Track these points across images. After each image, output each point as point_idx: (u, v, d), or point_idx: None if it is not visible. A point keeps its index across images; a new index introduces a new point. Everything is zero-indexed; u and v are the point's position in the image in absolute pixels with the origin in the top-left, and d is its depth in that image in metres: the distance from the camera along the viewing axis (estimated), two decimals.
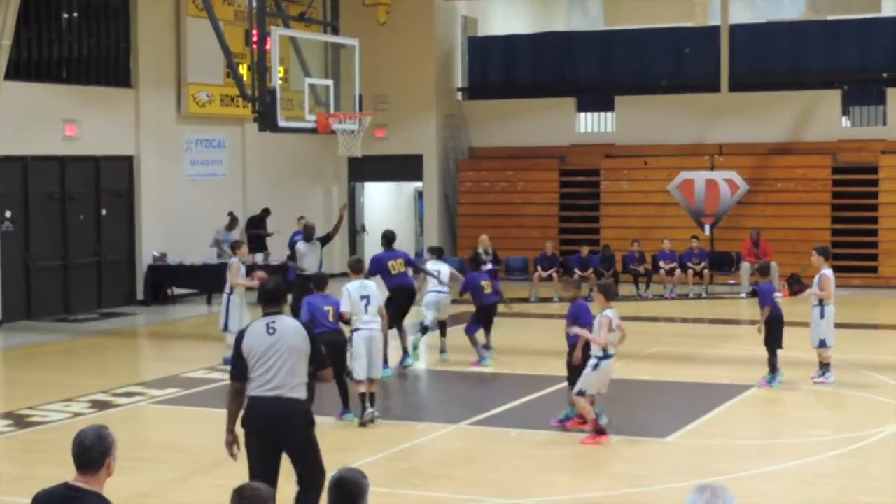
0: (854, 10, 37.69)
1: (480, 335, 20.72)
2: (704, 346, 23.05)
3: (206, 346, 23.48)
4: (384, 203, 39.22)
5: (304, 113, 24.40)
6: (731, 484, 12.12)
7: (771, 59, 35.77)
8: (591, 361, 14.61)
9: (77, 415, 16.73)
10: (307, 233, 24.43)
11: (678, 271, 31.43)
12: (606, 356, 14.70)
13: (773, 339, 18.56)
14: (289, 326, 9.98)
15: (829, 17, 37.36)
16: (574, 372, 15.19)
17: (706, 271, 31.57)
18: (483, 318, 20.60)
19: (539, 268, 30.99)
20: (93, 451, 6.65)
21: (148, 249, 29.84)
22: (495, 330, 21.38)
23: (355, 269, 16.76)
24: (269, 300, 10.20)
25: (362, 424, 15.51)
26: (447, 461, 14.04)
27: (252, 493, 6.35)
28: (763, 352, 18.69)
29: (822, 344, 18.60)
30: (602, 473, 13.32)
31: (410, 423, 15.87)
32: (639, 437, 15.06)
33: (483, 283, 20.25)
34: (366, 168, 35.67)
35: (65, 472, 6.77)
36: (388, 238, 20.46)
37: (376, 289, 16.52)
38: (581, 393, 14.53)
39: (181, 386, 18.97)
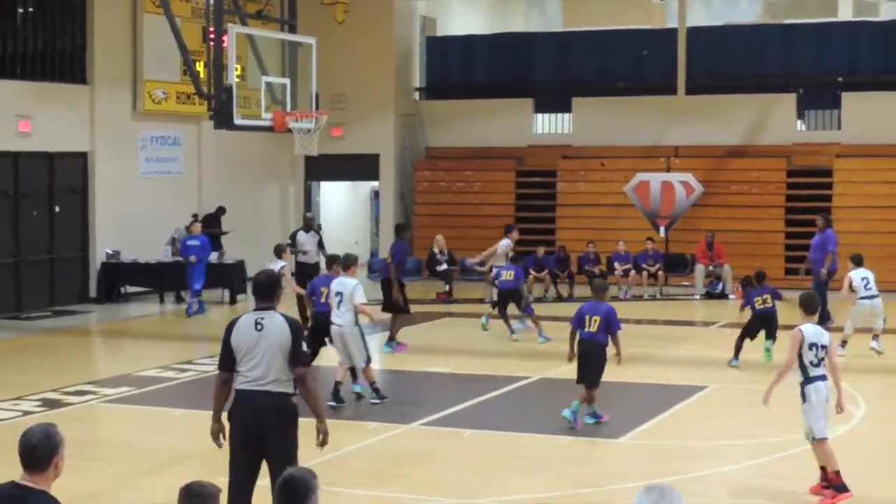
0: (810, 14, 37.89)
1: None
2: (658, 347, 23.08)
3: (159, 345, 23.40)
4: (340, 203, 39.18)
5: (261, 111, 24.34)
6: (683, 484, 12.20)
7: (728, 62, 35.93)
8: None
9: (27, 413, 16.60)
10: (306, 223, 26.72)
11: (633, 273, 31.51)
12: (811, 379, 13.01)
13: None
14: (276, 323, 9.94)
15: (786, 21, 37.55)
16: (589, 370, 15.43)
17: (661, 273, 31.68)
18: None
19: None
20: (40, 450, 6.57)
21: (102, 247, 29.65)
22: (449, 329, 21.38)
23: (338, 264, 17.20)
24: (260, 294, 10.16)
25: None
26: (400, 461, 14.02)
27: (199, 491, 6.33)
28: (717, 352, 18.78)
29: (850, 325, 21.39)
30: (555, 474, 13.32)
31: (363, 423, 15.84)
32: (592, 438, 15.08)
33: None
34: (322, 167, 35.59)
35: (13, 470, 6.71)
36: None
37: (354, 286, 16.54)
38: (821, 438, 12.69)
39: (134, 385, 18.86)
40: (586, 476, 13.24)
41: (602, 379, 15.66)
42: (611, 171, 34.72)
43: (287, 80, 25.35)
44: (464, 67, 38.58)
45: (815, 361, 12.20)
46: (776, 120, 34.57)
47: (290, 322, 10.07)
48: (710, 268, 31.61)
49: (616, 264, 31.71)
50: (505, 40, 38.49)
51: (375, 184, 38.09)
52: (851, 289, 21.47)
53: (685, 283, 32.41)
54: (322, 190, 38.58)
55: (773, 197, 33.55)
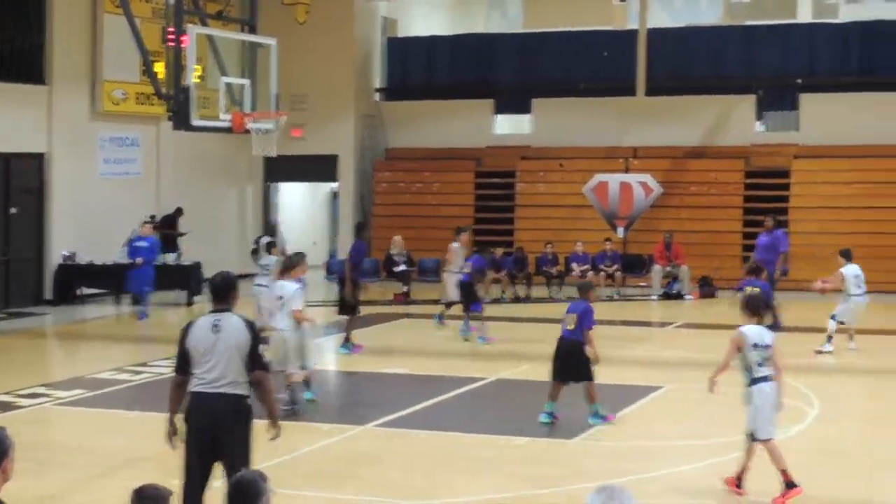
0: (770, 16, 38.05)
1: None
2: (615, 347, 23.02)
3: (114, 347, 23.32)
4: (299, 203, 39.11)
5: (219, 112, 24.30)
6: (637, 485, 12.25)
7: (688, 64, 36.06)
8: None
9: None
10: (272, 247, 25.29)
11: (591, 273, 31.57)
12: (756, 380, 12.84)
13: None
14: (233, 325, 9.92)
15: (747, 23, 37.68)
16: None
17: (618, 273, 31.79)
18: None
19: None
20: None
21: (58, 248, 29.49)
22: (406, 330, 21.37)
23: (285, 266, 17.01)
24: (217, 296, 10.14)
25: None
26: (355, 463, 14.00)
27: (151, 493, 6.32)
28: (674, 352, 18.84)
29: (833, 317, 22.06)
30: (508, 475, 13.34)
31: (317, 424, 15.81)
32: (546, 438, 15.11)
33: None
34: (281, 168, 35.52)
35: None
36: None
37: (294, 291, 16.37)
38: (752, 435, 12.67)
39: (88, 387, 18.76)
40: (539, 477, 13.26)
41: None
42: (570, 171, 34.80)
43: (247, 81, 25.32)
44: (424, 68, 38.60)
45: (760, 361, 12.24)
46: (735, 121, 34.74)
47: (249, 324, 10.05)
48: (668, 268, 31.73)
49: (574, 265, 31.81)
50: (466, 41, 38.52)
51: (335, 185, 38.05)
52: (842, 286, 21.86)
53: (642, 284, 32.53)
54: (281, 191, 38.49)
55: (731, 198, 33.72)
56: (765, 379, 12.30)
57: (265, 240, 25.22)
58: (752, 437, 12.39)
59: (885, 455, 14.51)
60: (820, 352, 21.90)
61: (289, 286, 16.40)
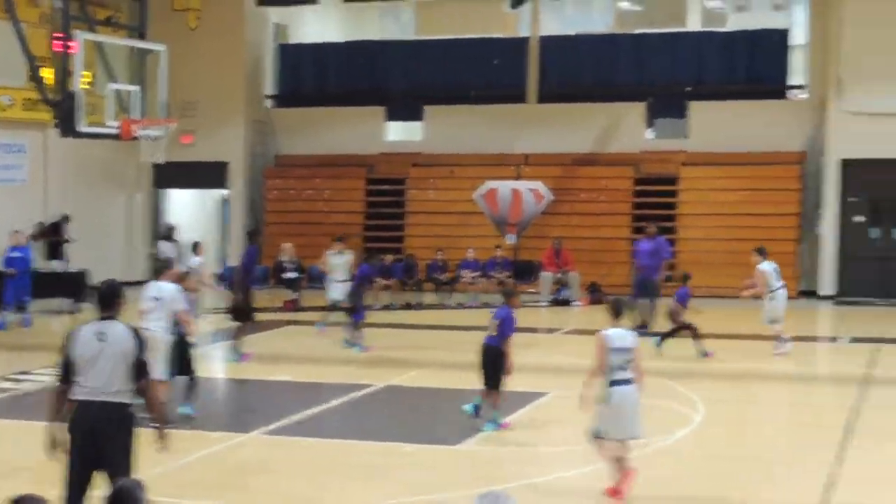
0: (660, 25, 38.45)
1: None
2: None
3: None
4: (189, 211, 38.77)
5: (107, 118, 24.10)
6: (521, 490, 12.32)
7: (579, 71, 36.32)
8: None
9: None
10: (168, 233, 25.91)
11: (481, 280, 31.70)
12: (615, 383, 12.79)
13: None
14: (119, 333, 9.83)
15: (637, 31, 38.04)
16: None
17: (509, 280, 31.87)
18: None
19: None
20: None
21: None
22: (295, 337, 21.29)
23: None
24: (102, 304, 10.04)
25: None
26: (241, 471, 13.92)
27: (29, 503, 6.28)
28: (560, 358, 18.96)
29: (774, 321, 22.42)
30: (394, 481, 13.34)
31: (203, 432, 15.68)
32: (432, 445, 15.13)
33: None
34: (171, 175, 35.21)
35: None
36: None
37: (173, 292, 16.08)
38: (597, 433, 12.72)
39: None
40: (426, 483, 13.28)
41: (446, 387, 15.78)
42: (461, 178, 34.91)
43: (136, 88, 25.16)
44: (316, 75, 38.50)
45: (621, 365, 12.36)
46: (625, 128, 35.07)
47: (135, 332, 9.98)
48: (557, 275, 31.93)
49: (464, 272, 31.89)
50: (357, 48, 38.48)
51: (225, 192, 37.83)
52: (764, 283, 22.45)
53: (532, 290, 32.67)
54: (170, 198, 38.16)
55: (620, 204, 34.02)
56: (625, 382, 12.39)
57: (192, 241, 25.11)
58: (597, 435, 12.52)
59: (768, 457, 14.70)
60: (780, 354, 22.39)
61: (167, 287, 16.06)
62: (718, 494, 12.99)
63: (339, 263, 24.49)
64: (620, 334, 12.49)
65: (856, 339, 25.05)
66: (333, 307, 24.34)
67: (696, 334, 22.34)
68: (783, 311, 22.76)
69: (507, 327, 15.84)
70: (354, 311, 23.20)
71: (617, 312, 12.74)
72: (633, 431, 12.51)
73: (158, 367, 15.78)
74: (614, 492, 12.44)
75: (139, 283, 24.67)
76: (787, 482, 13.77)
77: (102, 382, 9.73)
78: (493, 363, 15.84)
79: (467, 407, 16.00)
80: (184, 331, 16.19)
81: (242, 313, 21.78)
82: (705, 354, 22.23)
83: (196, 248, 23.79)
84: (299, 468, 14.13)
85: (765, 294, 22.60)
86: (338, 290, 24.18)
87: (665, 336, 22.61)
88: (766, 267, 22.71)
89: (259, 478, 13.59)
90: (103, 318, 9.94)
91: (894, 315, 29.51)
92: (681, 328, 22.54)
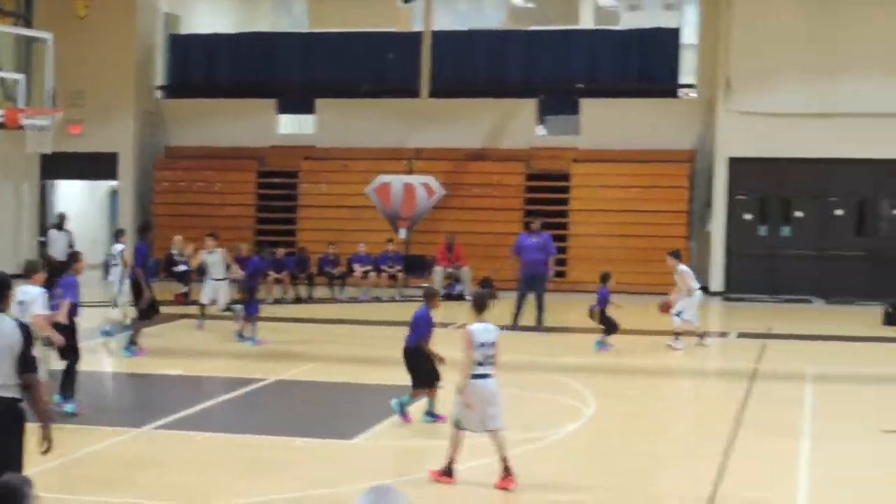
0: (553, 22, 38.68)
1: None
2: (397, 348, 23.17)
3: None
4: (78, 202, 38.33)
5: None
6: (412, 485, 12.32)
7: (471, 67, 36.39)
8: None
9: None
10: (59, 221, 26.92)
11: (373, 274, 31.67)
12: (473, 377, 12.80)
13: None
14: (5, 326, 9.64)
15: (530, 28, 38.22)
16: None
17: (400, 274, 31.93)
18: None
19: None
20: None
21: None
22: (186, 331, 21.12)
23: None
24: None
25: None
26: (131, 466, 13.76)
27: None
28: (453, 353, 18.92)
29: (679, 314, 22.86)
30: (285, 475, 13.27)
31: (93, 427, 15.49)
32: (325, 439, 15.08)
33: None
34: (59, 165, 34.77)
35: None
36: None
37: (36, 295, 15.42)
38: (457, 423, 13.00)
39: None
40: (319, 477, 13.23)
41: (339, 381, 15.73)
42: (353, 172, 34.84)
43: (22, 76, 24.78)
44: (207, 66, 38.22)
45: (482, 360, 12.57)
46: (517, 124, 35.20)
47: (21, 326, 9.81)
48: (450, 269, 31.99)
49: (356, 266, 31.83)
50: (249, 40, 38.26)
51: (114, 183, 37.43)
52: (686, 285, 22.97)
53: (425, 285, 32.63)
54: (58, 189, 37.69)
55: (512, 200, 34.16)
56: (483, 376, 12.60)
57: (116, 228, 24.91)
58: (457, 426, 12.82)
59: (657, 451, 14.85)
60: (671, 347, 22.82)
61: (32, 290, 15.32)
62: (607, 487, 13.08)
63: (213, 261, 24.23)
64: (485, 329, 12.67)
65: (743, 335, 25.39)
66: (204, 306, 24.18)
67: (610, 331, 22.80)
68: (696, 314, 23.31)
69: (419, 327, 15.91)
70: (247, 304, 23.06)
71: (480, 307, 12.94)
72: (493, 423, 12.74)
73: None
74: (504, 484, 12.66)
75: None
76: (676, 475, 13.92)
77: None
78: (411, 362, 15.97)
79: (394, 403, 15.90)
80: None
81: (148, 310, 21.59)
82: (602, 345, 22.52)
83: (119, 234, 23.60)
84: (190, 462, 14.02)
85: (682, 294, 23.01)
86: (212, 287, 24.11)
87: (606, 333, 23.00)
88: (685, 269, 23.24)
89: (149, 472, 13.45)
90: None
91: (780, 311, 29.99)
92: (607, 323, 22.93)
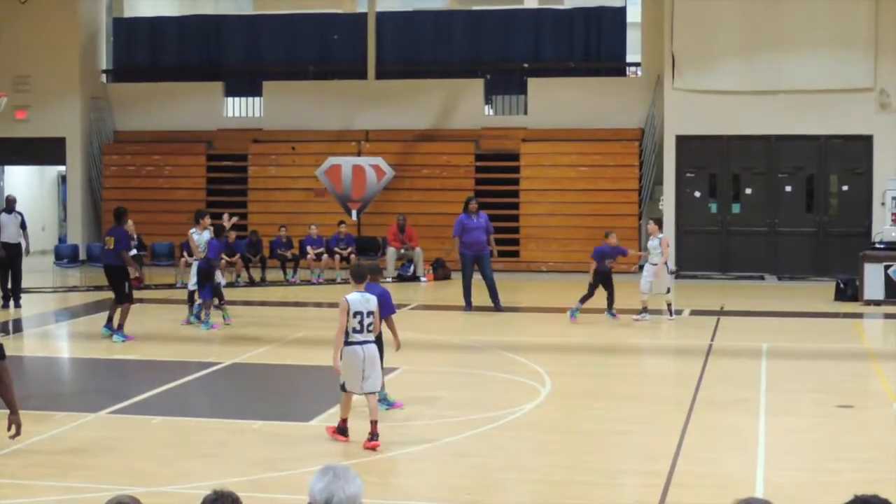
0: (498, 1, 38.66)
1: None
2: None
3: None
4: (26, 187, 38.05)
5: None
6: (369, 465, 12.32)
7: (417, 48, 36.34)
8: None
9: None
10: (9, 204, 26.18)
11: (325, 256, 31.62)
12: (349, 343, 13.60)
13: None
14: None
15: (474, 7, 38.19)
16: None
17: (353, 256, 31.86)
18: None
19: (185, 253, 30.50)
20: None
21: None
22: (139, 316, 21.04)
23: None
24: None
25: None
26: (86, 451, 13.67)
27: None
28: (408, 334, 18.95)
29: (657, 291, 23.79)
30: (242, 459, 13.22)
31: (48, 412, 15.38)
32: (282, 422, 15.04)
33: None
34: (5, 151, 34.54)
35: None
36: None
37: None
38: (342, 386, 13.83)
39: None
40: (275, 460, 13.19)
41: (291, 363, 15.67)
42: (302, 154, 34.75)
43: None
44: (152, 49, 37.95)
45: (358, 328, 13.41)
46: (464, 105, 35.18)
47: None
48: (402, 251, 31.99)
49: (308, 248, 31.78)
50: (194, 22, 38.04)
51: (62, 168, 37.17)
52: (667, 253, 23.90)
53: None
54: (6, 174, 37.41)
55: (462, 180, 34.13)
56: (360, 343, 13.44)
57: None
58: (343, 388, 13.71)
59: (616, 428, 14.90)
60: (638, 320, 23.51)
61: None
62: (566, 465, 13.10)
63: (202, 241, 23.65)
64: (362, 298, 13.51)
65: (696, 312, 25.50)
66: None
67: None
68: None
69: (388, 306, 15.19)
70: (204, 288, 22.93)
71: (359, 278, 13.80)
72: (369, 387, 13.68)
73: None
74: (371, 446, 13.41)
75: None
76: (633, 452, 13.96)
77: None
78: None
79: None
80: None
81: (126, 294, 21.57)
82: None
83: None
84: (145, 447, 13.93)
85: (660, 263, 23.67)
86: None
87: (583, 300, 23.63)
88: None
89: (103, 457, 13.37)
90: None
91: (731, 288, 30.15)
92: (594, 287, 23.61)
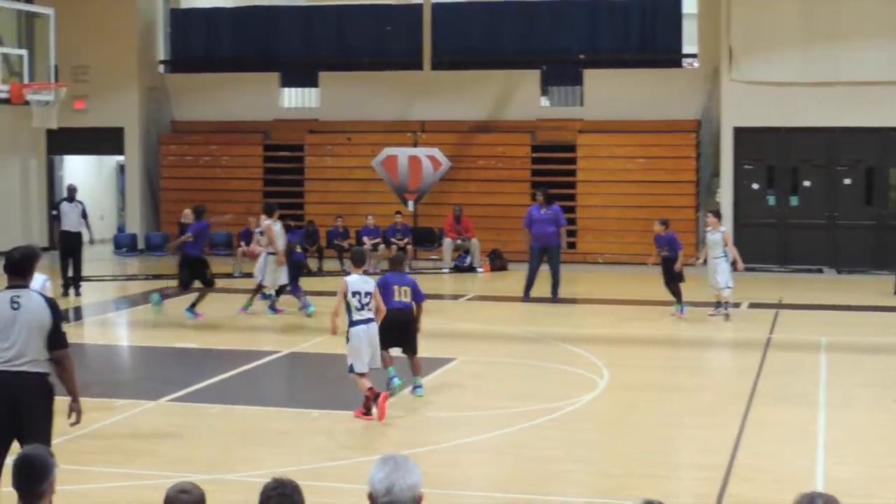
0: None
1: None
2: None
3: None
4: (85, 177, 38.30)
5: None
6: (427, 455, 12.36)
7: (473, 38, 36.27)
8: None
9: None
10: (70, 193, 26.88)
11: (382, 246, 31.68)
12: (354, 323, 14.77)
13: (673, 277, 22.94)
14: (34, 302, 9.69)
15: None
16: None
17: (409, 247, 31.91)
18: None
19: (243, 243, 30.66)
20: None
21: None
22: (200, 304, 21.26)
23: None
24: (15, 272, 9.88)
25: None
26: (148, 438, 13.82)
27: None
28: (465, 325, 19.05)
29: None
30: (301, 448, 13.31)
31: (109, 400, 15.52)
32: (340, 411, 15.11)
33: None
34: (65, 141, 34.73)
35: None
36: None
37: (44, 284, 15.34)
38: (350, 369, 14.79)
39: None
40: (332, 449, 13.29)
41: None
42: (358, 145, 34.79)
43: (24, 52, 24.75)
44: (208, 40, 38.09)
45: (359, 307, 14.56)
46: (520, 96, 35.10)
47: (50, 302, 9.85)
48: (458, 241, 32.02)
49: (365, 238, 31.84)
50: (250, 13, 38.14)
51: (121, 158, 37.42)
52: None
53: (434, 257, 32.77)
54: (65, 164, 37.69)
55: (518, 171, 34.07)
56: (363, 322, 14.58)
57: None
58: (351, 370, 14.64)
59: (674, 421, 14.88)
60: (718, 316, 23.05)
61: (38, 278, 15.35)
62: (624, 456, 13.11)
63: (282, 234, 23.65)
64: (360, 280, 14.62)
65: (754, 305, 25.36)
66: (284, 283, 23.73)
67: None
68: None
69: (421, 294, 16.01)
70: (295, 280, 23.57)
71: (358, 262, 15.04)
72: (373, 362, 14.78)
73: None
74: (359, 413, 14.46)
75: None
76: (692, 444, 13.96)
77: (17, 352, 9.60)
78: (407, 328, 15.84)
79: (396, 381, 15.77)
80: None
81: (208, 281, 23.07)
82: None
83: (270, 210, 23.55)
84: (207, 435, 14.07)
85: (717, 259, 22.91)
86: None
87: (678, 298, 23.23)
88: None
89: (163, 444, 13.52)
90: (16, 286, 9.79)
91: (790, 281, 29.95)
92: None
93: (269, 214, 23.34)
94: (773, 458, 12.94)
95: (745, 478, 12.09)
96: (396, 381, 15.61)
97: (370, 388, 14.42)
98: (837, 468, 12.54)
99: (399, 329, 15.74)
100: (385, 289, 15.55)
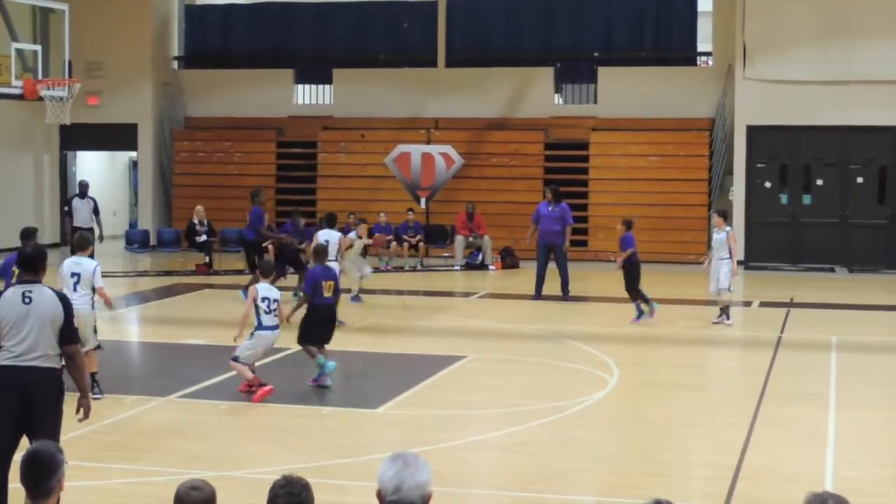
0: None
1: None
2: (418, 317, 23.29)
3: None
4: (98, 173, 38.35)
5: (11, 78, 23.74)
6: (437, 453, 12.34)
7: (487, 36, 36.26)
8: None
9: None
10: (82, 189, 27.56)
11: (394, 244, 31.67)
12: (262, 327, 15.61)
13: (632, 281, 22.58)
14: (46, 297, 9.70)
15: None
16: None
17: (421, 244, 31.92)
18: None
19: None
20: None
21: None
22: (209, 301, 21.17)
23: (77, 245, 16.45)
24: (27, 268, 9.90)
25: None
26: (156, 434, 13.82)
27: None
28: (476, 322, 19.02)
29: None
30: (311, 445, 13.32)
31: (119, 396, 15.53)
32: (349, 409, 15.13)
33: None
34: (78, 136, 34.84)
35: None
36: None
37: (94, 268, 15.59)
38: (235, 359, 15.65)
39: None
40: (343, 447, 13.26)
41: (359, 350, 15.81)
42: (371, 142, 34.79)
43: (39, 47, 24.79)
44: (223, 36, 38.12)
45: (267, 310, 15.47)
46: (534, 93, 35.07)
47: (62, 297, 9.87)
48: (470, 239, 31.99)
49: (377, 235, 31.81)
50: (264, 10, 38.16)
51: (134, 154, 37.47)
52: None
53: (446, 255, 32.77)
54: (78, 160, 37.75)
55: (531, 169, 34.05)
56: (270, 328, 15.53)
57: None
58: (235, 360, 15.52)
59: (684, 420, 14.85)
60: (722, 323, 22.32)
61: (87, 263, 15.64)
62: (634, 455, 13.09)
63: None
64: (268, 288, 15.67)
65: (765, 304, 25.31)
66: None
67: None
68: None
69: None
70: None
71: (266, 273, 16.15)
72: (249, 359, 15.64)
73: (91, 342, 15.42)
74: (248, 389, 15.47)
75: (50, 247, 24.57)
76: (702, 444, 13.94)
77: (28, 347, 9.61)
78: (334, 322, 17.35)
79: (330, 365, 16.28)
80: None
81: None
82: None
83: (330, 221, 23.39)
84: (214, 431, 14.09)
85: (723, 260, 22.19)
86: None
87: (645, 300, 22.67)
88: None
89: (173, 441, 13.53)
90: (28, 282, 9.81)
91: (801, 280, 29.89)
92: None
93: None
94: (783, 458, 12.91)
95: (754, 477, 12.06)
96: (330, 364, 16.21)
97: (254, 378, 15.48)
98: (848, 468, 12.51)
99: (328, 323, 16.77)
100: (315, 283, 16.53)
